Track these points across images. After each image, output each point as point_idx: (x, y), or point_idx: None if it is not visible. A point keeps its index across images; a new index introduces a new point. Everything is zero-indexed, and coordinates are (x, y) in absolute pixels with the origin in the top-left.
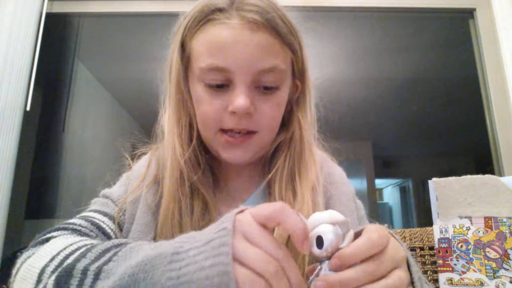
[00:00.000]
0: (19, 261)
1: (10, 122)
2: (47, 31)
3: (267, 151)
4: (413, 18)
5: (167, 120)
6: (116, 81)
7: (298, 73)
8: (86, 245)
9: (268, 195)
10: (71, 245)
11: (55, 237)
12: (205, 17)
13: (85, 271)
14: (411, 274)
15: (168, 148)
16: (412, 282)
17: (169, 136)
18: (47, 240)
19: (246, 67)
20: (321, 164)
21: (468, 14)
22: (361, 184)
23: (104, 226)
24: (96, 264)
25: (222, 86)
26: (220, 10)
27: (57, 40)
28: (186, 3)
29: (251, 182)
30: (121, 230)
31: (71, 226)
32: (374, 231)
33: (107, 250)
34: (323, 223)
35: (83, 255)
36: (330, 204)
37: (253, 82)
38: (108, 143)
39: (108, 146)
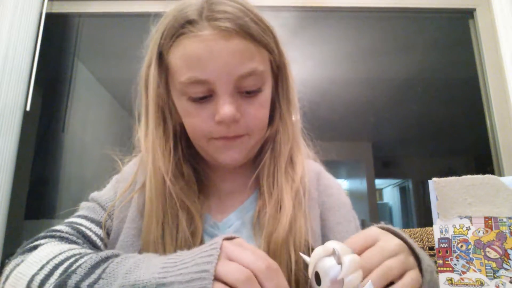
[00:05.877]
0: (7, 269)
1: (10, 122)
2: (47, 31)
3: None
4: (413, 18)
5: (144, 134)
6: (116, 81)
7: (277, 69)
8: (74, 255)
9: (259, 198)
10: (60, 254)
11: (43, 244)
12: (177, 31)
13: None
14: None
15: (149, 162)
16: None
17: (149, 151)
18: (35, 247)
19: (225, 76)
20: (318, 176)
21: (468, 14)
22: (361, 184)
23: (90, 234)
24: (87, 282)
25: (206, 98)
26: (190, 22)
27: (57, 40)
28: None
29: (244, 185)
30: (108, 235)
31: (58, 233)
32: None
33: (96, 265)
34: (320, 258)
35: (73, 270)
36: (329, 215)
37: (235, 88)
38: (108, 143)
39: (107, 146)
